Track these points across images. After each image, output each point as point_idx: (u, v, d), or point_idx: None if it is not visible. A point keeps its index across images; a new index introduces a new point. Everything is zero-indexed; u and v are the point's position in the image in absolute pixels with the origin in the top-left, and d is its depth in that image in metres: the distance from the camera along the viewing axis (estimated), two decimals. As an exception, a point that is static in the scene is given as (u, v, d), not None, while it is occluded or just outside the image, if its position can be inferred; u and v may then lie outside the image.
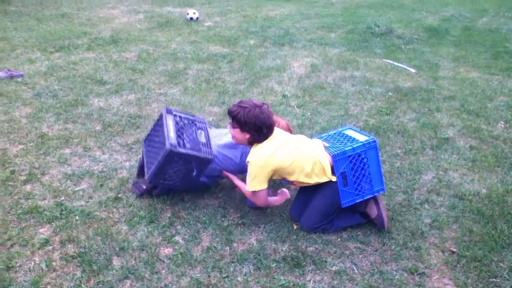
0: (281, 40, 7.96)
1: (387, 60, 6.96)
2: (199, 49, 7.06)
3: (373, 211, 2.97)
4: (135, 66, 6.04)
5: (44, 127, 4.21)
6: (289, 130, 3.26)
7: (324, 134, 3.16)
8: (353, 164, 2.87)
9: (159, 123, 3.02)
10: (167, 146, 2.74)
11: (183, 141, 2.88)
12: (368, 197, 2.95)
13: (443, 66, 6.82)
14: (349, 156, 2.84)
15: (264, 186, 2.79)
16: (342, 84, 5.79)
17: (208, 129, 3.17)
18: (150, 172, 2.89)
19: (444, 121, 4.72)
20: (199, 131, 3.03)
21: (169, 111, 2.98)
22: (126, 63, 6.20)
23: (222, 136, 3.14)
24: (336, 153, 2.83)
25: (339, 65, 6.57)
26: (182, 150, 2.79)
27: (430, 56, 7.35)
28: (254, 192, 2.83)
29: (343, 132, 3.11)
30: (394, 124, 4.60)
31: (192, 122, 3.06)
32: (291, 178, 2.84)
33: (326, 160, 2.82)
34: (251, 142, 2.81)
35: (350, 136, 3.02)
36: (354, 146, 2.87)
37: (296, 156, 2.78)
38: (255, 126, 2.71)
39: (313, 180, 2.83)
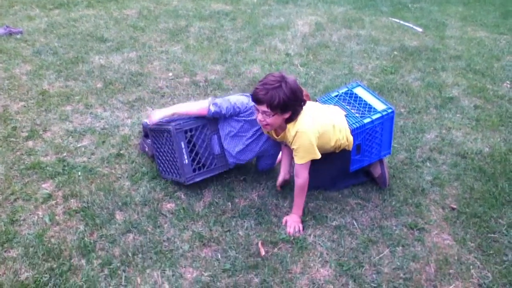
0: (285, -2, 7.76)
1: (393, 19, 6.80)
2: (201, 6, 6.90)
3: (376, 170, 2.96)
4: (136, 24, 5.93)
5: (45, 84, 4.17)
6: (307, 96, 3.14)
7: (334, 93, 3.03)
8: (369, 135, 2.82)
9: (167, 137, 2.83)
10: (183, 180, 2.80)
11: (199, 157, 2.82)
12: (375, 160, 2.94)
13: (450, 25, 6.66)
14: (367, 129, 2.80)
15: (318, 154, 2.54)
16: (346, 43, 5.68)
17: None
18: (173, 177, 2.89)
19: (449, 81, 4.66)
20: (213, 136, 2.85)
21: (179, 131, 2.73)
22: (127, 20, 6.08)
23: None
24: (355, 126, 2.75)
25: (344, 24, 6.42)
26: (197, 178, 2.83)
27: (437, 15, 7.17)
28: (306, 165, 2.56)
29: (354, 91, 2.99)
30: (399, 83, 4.53)
31: (203, 127, 2.83)
32: (325, 147, 2.66)
33: (349, 133, 2.73)
34: (290, 120, 2.49)
35: (365, 102, 2.90)
36: (373, 118, 2.79)
37: (332, 124, 2.66)
38: (297, 99, 2.40)
39: (336, 150, 2.76)
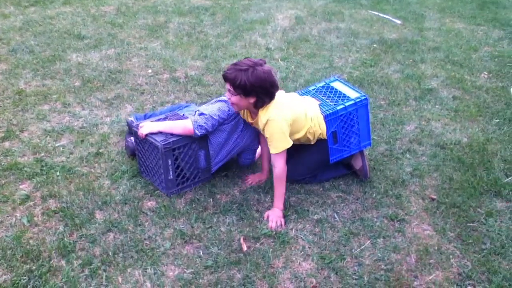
0: (265, -8, 7.73)
1: (372, 12, 6.83)
2: (180, 1, 6.83)
3: (357, 163, 2.98)
4: (114, 20, 5.85)
5: (21, 84, 4.10)
6: None
7: (312, 87, 3.06)
8: (343, 123, 2.84)
9: (154, 151, 2.77)
10: (165, 193, 2.81)
11: (184, 172, 2.81)
12: (355, 151, 2.95)
13: (428, 17, 6.72)
14: (341, 115, 2.81)
15: (290, 142, 2.59)
16: (326, 36, 5.69)
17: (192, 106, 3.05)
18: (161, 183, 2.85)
19: (428, 72, 4.70)
20: (200, 152, 2.83)
21: (167, 150, 2.69)
22: (105, 17, 5.99)
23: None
24: (328, 112, 2.78)
25: (324, 17, 6.44)
26: (179, 192, 2.84)
27: (416, 7, 7.23)
28: (281, 154, 2.58)
29: (331, 85, 3.04)
30: (378, 76, 4.56)
31: (192, 143, 2.79)
32: (295, 137, 2.70)
33: (322, 121, 2.77)
34: (258, 107, 2.56)
35: (340, 92, 2.94)
36: (346, 104, 2.81)
37: (304, 112, 2.70)
38: (262, 88, 2.45)
39: (311, 140, 2.80)
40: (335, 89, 2.98)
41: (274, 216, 2.63)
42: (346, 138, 2.88)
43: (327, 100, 2.89)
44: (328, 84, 3.04)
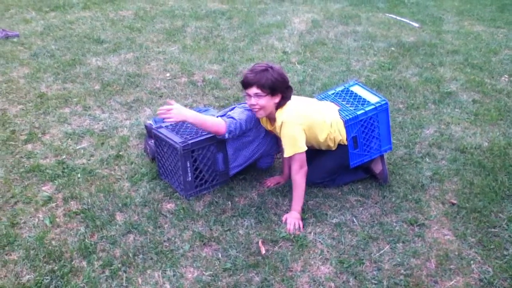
0: (282, -4, 7.75)
1: (390, 15, 6.80)
2: (197, 6, 6.90)
3: (377, 167, 2.97)
4: (132, 25, 5.93)
5: (42, 87, 4.17)
6: None
7: (331, 92, 3.05)
8: (364, 128, 2.83)
9: (172, 152, 2.80)
10: (183, 195, 2.83)
11: (202, 174, 2.83)
12: (375, 156, 2.94)
13: (447, 20, 6.66)
14: (361, 120, 2.80)
15: (303, 148, 2.59)
16: (343, 39, 5.68)
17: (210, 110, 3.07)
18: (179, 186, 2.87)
19: (447, 76, 4.66)
20: (218, 154, 2.85)
21: (186, 152, 2.71)
22: (123, 21, 6.08)
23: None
24: (348, 118, 2.77)
25: (341, 20, 6.42)
26: (198, 194, 2.86)
27: (433, 10, 7.17)
28: (298, 156, 2.58)
29: (350, 89, 3.03)
30: (397, 79, 4.54)
31: (210, 146, 2.81)
32: (314, 142, 2.73)
33: (342, 127, 2.76)
34: (280, 105, 2.60)
35: (360, 96, 2.93)
36: (366, 109, 2.81)
37: (322, 118, 2.70)
38: (285, 83, 2.55)
39: (332, 147, 2.80)
40: (355, 93, 2.97)
41: (292, 219, 2.63)
42: (366, 143, 2.87)
43: (346, 105, 2.88)
44: (347, 88, 3.03)
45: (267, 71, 2.50)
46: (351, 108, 2.84)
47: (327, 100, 2.96)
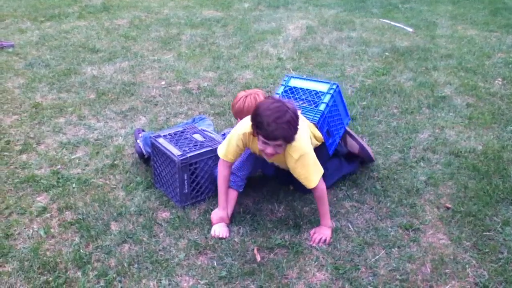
0: (276, 3, 7.79)
1: (384, 20, 6.84)
2: (192, 13, 6.93)
3: (354, 146, 3.00)
4: (127, 33, 5.95)
5: (37, 97, 4.18)
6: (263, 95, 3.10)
7: (276, 96, 2.92)
8: (329, 118, 2.87)
9: (170, 164, 2.78)
10: (179, 205, 2.82)
11: (199, 186, 2.82)
12: (343, 133, 3.01)
13: (440, 24, 6.70)
14: (326, 114, 2.84)
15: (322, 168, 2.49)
16: (338, 45, 5.70)
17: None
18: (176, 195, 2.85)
19: (441, 80, 4.68)
20: (215, 168, 2.81)
21: (184, 165, 2.71)
22: (119, 30, 6.10)
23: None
24: (317, 118, 2.77)
25: (335, 26, 6.46)
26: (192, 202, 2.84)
27: (427, 14, 7.22)
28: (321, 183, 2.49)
29: (291, 86, 2.97)
30: (391, 84, 4.55)
31: (208, 159, 2.81)
32: None
33: (315, 129, 2.76)
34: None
35: (308, 90, 2.91)
36: (325, 101, 2.84)
37: (307, 128, 2.63)
38: (298, 119, 2.30)
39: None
40: (299, 88, 2.96)
41: (320, 233, 2.57)
42: (335, 128, 2.93)
43: (303, 104, 2.88)
44: (287, 86, 3.01)
45: (290, 123, 2.22)
46: (308, 106, 2.85)
47: None
